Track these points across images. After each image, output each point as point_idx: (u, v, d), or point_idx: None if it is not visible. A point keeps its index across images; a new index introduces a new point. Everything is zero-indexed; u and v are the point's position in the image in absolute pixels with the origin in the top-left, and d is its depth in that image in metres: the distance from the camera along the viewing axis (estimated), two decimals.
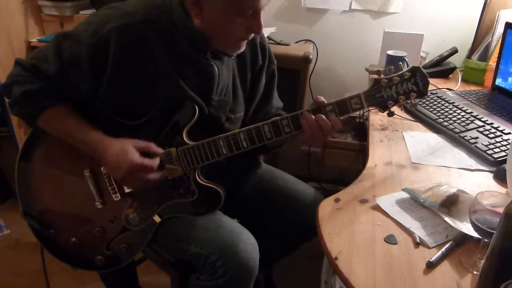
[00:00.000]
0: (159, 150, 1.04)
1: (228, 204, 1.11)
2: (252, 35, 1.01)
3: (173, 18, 0.98)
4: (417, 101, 0.97)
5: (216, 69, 1.06)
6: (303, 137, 1.00)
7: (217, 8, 0.93)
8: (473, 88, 1.63)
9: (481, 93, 1.52)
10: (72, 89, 1.01)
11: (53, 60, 0.99)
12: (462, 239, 0.83)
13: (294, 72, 1.81)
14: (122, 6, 1.00)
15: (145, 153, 1.02)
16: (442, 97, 1.44)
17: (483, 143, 1.16)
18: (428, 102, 1.43)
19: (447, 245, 0.82)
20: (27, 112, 1.03)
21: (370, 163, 1.11)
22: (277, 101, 1.28)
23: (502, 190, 1.00)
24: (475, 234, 0.79)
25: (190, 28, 0.97)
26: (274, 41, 1.94)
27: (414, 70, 0.95)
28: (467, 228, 0.83)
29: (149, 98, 1.03)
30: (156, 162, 1.02)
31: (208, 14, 0.94)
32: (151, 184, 1.03)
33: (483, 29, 1.68)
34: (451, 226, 0.86)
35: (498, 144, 1.15)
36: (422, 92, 0.96)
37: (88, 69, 0.98)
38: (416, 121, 1.37)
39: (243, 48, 1.04)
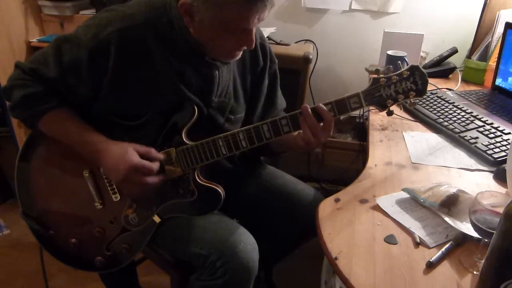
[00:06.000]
0: (159, 156, 1.03)
1: (228, 204, 1.11)
2: (245, 47, 0.99)
3: (172, 20, 0.98)
4: (416, 100, 0.97)
5: (216, 71, 1.06)
6: (301, 143, 0.99)
7: (206, 23, 0.92)
8: (473, 88, 1.63)
9: (481, 93, 1.52)
10: (71, 92, 1.01)
11: (53, 64, 0.99)
12: (462, 239, 0.83)
13: (294, 72, 1.81)
14: (121, 9, 0.99)
15: (145, 158, 1.01)
16: (442, 97, 1.44)
17: (483, 143, 1.16)
18: (428, 102, 1.43)
19: (447, 245, 0.82)
20: (27, 116, 1.03)
21: (370, 163, 1.11)
22: (281, 101, 1.27)
23: (502, 190, 1.00)
24: (475, 234, 0.79)
25: (186, 33, 0.97)
26: (274, 41, 1.94)
27: (413, 69, 0.95)
28: (467, 228, 0.83)
29: (149, 99, 1.02)
30: (155, 165, 1.01)
31: (198, 25, 0.94)
32: (149, 189, 1.02)
33: (483, 29, 1.68)
34: (451, 226, 0.86)
35: (498, 144, 1.15)
36: (421, 91, 0.95)
37: (88, 72, 0.97)
38: (416, 121, 1.37)
39: (238, 57, 1.02)
